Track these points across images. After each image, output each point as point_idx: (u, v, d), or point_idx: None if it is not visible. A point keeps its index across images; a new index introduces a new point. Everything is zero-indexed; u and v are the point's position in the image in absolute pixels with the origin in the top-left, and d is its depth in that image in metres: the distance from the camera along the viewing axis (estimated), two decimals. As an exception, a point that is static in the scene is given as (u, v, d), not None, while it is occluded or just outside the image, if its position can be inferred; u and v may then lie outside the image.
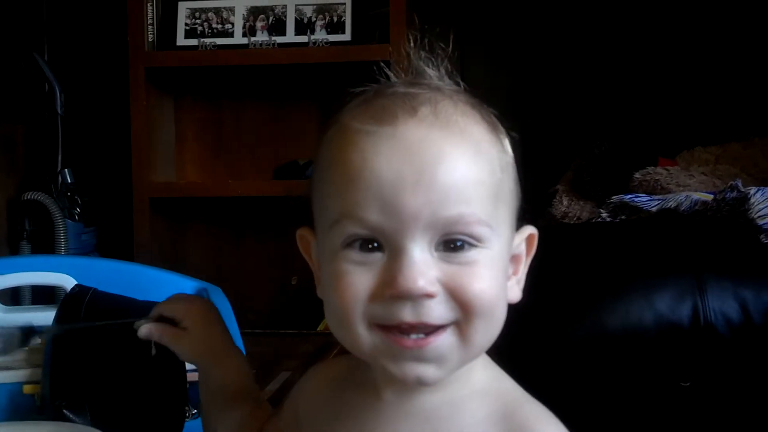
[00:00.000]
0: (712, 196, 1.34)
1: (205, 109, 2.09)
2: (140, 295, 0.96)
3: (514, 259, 0.59)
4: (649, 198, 1.43)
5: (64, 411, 0.77)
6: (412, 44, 0.62)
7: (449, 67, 0.61)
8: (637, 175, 1.54)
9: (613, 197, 1.46)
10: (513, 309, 1.60)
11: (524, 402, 0.59)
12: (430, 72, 0.60)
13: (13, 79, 1.98)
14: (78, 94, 2.02)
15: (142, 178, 1.89)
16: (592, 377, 1.25)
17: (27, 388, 0.85)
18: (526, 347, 1.39)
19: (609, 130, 1.82)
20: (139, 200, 1.90)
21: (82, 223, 1.96)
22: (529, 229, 0.60)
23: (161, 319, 0.76)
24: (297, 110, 2.02)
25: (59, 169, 1.94)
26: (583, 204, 1.61)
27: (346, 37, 1.86)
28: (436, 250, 0.54)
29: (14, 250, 1.93)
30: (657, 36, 1.90)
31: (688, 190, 1.46)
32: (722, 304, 1.19)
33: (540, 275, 1.47)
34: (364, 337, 0.55)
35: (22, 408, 0.84)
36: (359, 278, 0.54)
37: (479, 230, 0.54)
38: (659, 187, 1.50)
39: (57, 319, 0.86)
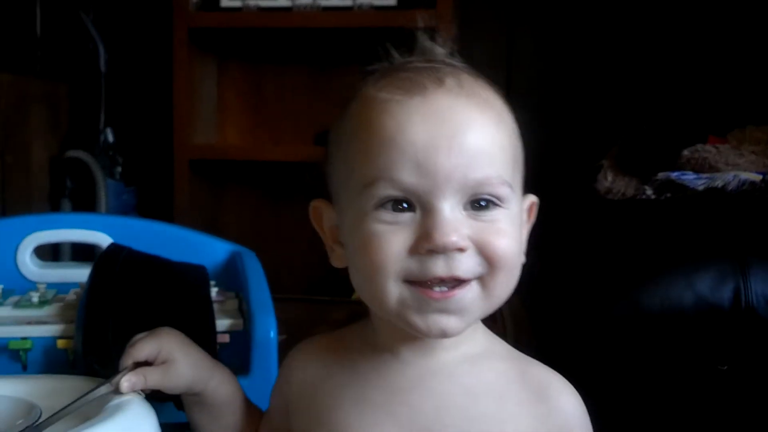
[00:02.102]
0: (761, 177, 1.30)
1: (248, 72, 2.08)
2: (175, 256, 0.96)
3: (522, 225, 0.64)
4: (696, 176, 1.39)
5: (95, 366, 0.77)
6: (421, 24, 0.68)
7: (453, 47, 0.66)
8: (685, 152, 1.50)
9: (659, 174, 1.42)
10: (553, 283, 1.58)
11: (529, 361, 0.64)
12: (439, 50, 0.64)
13: (58, 37, 1.99)
14: (122, 54, 2.03)
15: (183, 140, 1.89)
16: (628, 355, 1.23)
17: (60, 343, 0.85)
18: (566, 322, 1.38)
19: (659, 105, 1.78)
20: (179, 162, 1.90)
21: (122, 183, 1.98)
22: (531, 198, 0.65)
23: (137, 366, 0.70)
24: (339, 75, 2.00)
25: (101, 127, 1.95)
26: (628, 180, 1.58)
27: (392, 1, 1.84)
28: (464, 209, 0.58)
29: (55, 207, 1.95)
30: (711, 12, 1.85)
31: (737, 169, 1.42)
32: (765, 287, 1.16)
33: (581, 251, 1.46)
34: (393, 292, 0.58)
35: (55, 362, 0.85)
36: (393, 236, 0.58)
37: (503, 191, 0.59)
38: (707, 165, 1.46)
39: (91, 275, 0.87)
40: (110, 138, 1.97)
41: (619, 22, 1.93)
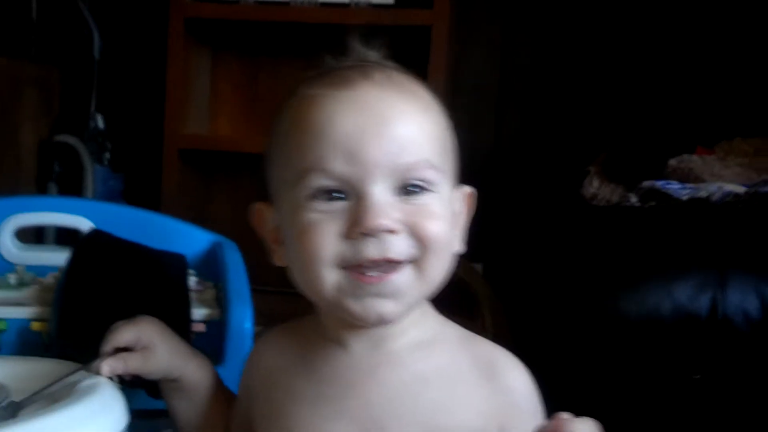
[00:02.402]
0: (745, 189, 1.31)
1: (242, 64, 2.08)
2: (156, 244, 0.97)
3: (455, 214, 0.65)
4: (681, 186, 1.40)
5: (69, 350, 0.77)
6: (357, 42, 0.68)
7: (386, 52, 0.67)
8: (672, 161, 1.51)
9: (644, 182, 1.43)
10: (535, 286, 1.58)
11: (478, 341, 0.66)
12: (371, 53, 0.66)
13: (53, 22, 1.99)
14: (116, 40, 2.03)
15: (174, 129, 1.89)
16: (604, 360, 1.24)
17: (35, 325, 0.85)
18: (544, 325, 1.38)
19: (649, 114, 1.79)
20: (168, 151, 1.90)
21: (110, 169, 1.97)
22: (467, 189, 0.67)
23: (117, 352, 0.72)
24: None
25: (92, 113, 1.95)
26: (614, 187, 1.59)
27: (389, 0, 1.84)
28: (396, 194, 0.60)
29: (42, 191, 1.95)
30: (701, 23, 1.86)
31: (722, 180, 1.42)
32: (742, 298, 1.16)
33: (564, 255, 1.46)
34: (329, 279, 0.60)
35: (30, 344, 0.85)
36: (327, 225, 0.60)
37: (431, 175, 0.61)
38: (693, 175, 1.47)
39: (70, 260, 0.87)
40: (100, 124, 1.97)
41: (613, 30, 1.94)
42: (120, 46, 2.04)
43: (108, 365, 0.70)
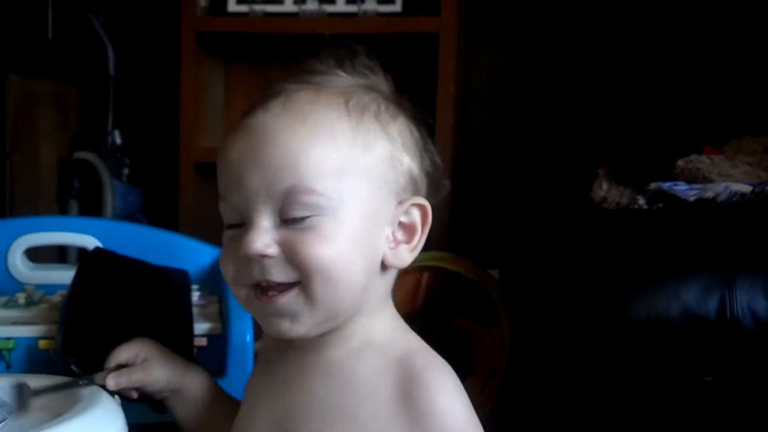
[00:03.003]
0: (751, 188, 1.31)
1: (255, 75, 2.11)
2: (162, 259, 0.98)
3: (405, 227, 0.66)
4: (688, 187, 1.39)
5: (72, 367, 0.79)
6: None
7: (367, 62, 0.70)
8: (679, 162, 1.51)
9: (652, 184, 1.43)
10: (545, 293, 1.58)
11: (419, 352, 0.65)
12: (339, 70, 0.68)
13: (69, 39, 2.02)
14: (130, 57, 2.06)
15: (189, 143, 1.92)
16: (613, 364, 1.24)
17: (42, 343, 0.87)
18: (554, 332, 1.39)
19: (656, 115, 1.78)
20: (185, 164, 1.92)
21: (129, 184, 2.01)
22: (417, 200, 0.66)
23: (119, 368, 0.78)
24: (346, 81, 2.02)
25: (109, 129, 1.99)
26: (622, 189, 1.58)
27: (397, 8, 1.85)
28: (282, 218, 0.62)
29: (63, 207, 1.98)
30: (708, 23, 1.85)
31: (730, 180, 1.42)
32: (751, 299, 1.16)
33: (571, 261, 1.47)
34: (241, 295, 0.65)
35: (38, 362, 0.87)
36: (228, 249, 0.65)
37: (312, 200, 0.61)
38: (701, 175, 1.46)
39: (75, 278, 0.89)
40: (118, 140, 2.01)
41: (619, 34, 1.93)
42: (134, 62, 2.07)
43: (113, 379, 0.75)
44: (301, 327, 0.63)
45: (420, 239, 0.66)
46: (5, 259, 1.00)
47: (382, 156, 0.64)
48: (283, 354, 0.68)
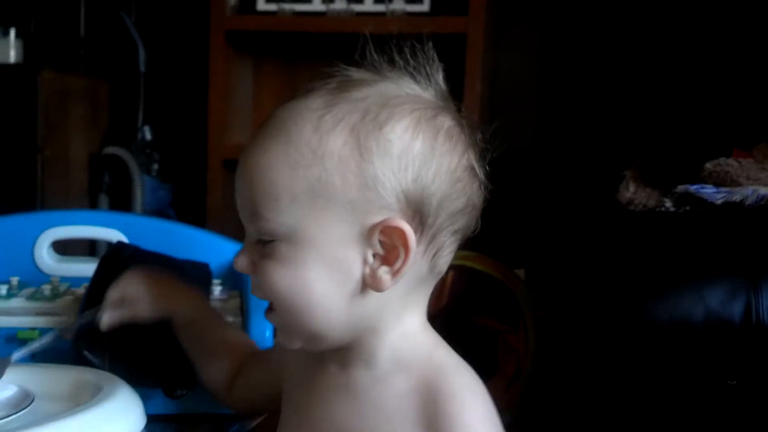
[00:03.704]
0: (780, 192, 1.29)
1: (283, 74, 2.12)
2: (184, 254, 0.99)
3: (385, 249, 0.59)
4: (715, 190, 1.38)
5: (84, 352, 0.81)
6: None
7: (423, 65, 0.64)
8: (707, 165, 1.49)
9: (679, 187, 1.42)
10: (569, 294, 1.57)
11: (449, 373, 0.61)
12: (364, 74, 0.63)
13: (101, 36, 2.05)
14: (161, 54, 2.08)
15: (217, 140, 1.94)
16: (635, 367, 1.23)
17: (65, 334, 0.89)
18: (578, 333, 1.38)
19: (686, 117, 1.77)
20: (213, 161, 1.94)
21: (158, 179, 2.03)
22: (391, 222, 0.58)
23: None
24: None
25: (139, 125, 2.01)
26: (650, 191, 1.57)
27: (425, 7, 1.86)
28: (257, 239, 0.61)
29: (93, 202, 2.01)
30: (738, 25, 1.83)
31: (758, 183, 1.40)
32: (776, 303, 1.15)
33: (596, 263, 1.46)
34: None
35: (61, 353, 0.88)
36: None
37: (265, 226, 0.59)
38: (729, 179, 1.44)
39: (96, 271, 0.90)
40: (148, 136, 2.03)
41: (650, 34, 1.92)
42: (164, 59, 2.09)
43: (107, 318, 0.79)
44: (293, 342, 0.62)
45: (402, 262, 0.59)
46: (32, 251, 1.01)
47: (348, 174, 0.58)
48: (320, 364, 0.65)
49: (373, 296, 0.60)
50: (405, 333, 0.62)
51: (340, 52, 2.27)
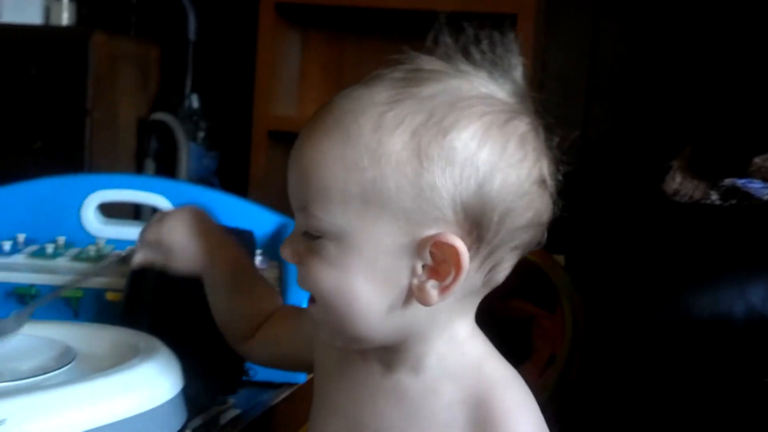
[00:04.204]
0: (829, 190, 1.27)
1: (331, 46, 2.12)
2: (227, 222, 1.01)
3: (436, 262, 0.56)
4: (763, 185, 1.36)
5: (125, 314, 0.82)
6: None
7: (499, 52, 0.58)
8: (756, 159, 1.47)
9: (726, 180, 1.40)
10: (610, 283, 1.57)
11: (501, 388, 0.58)
12: (435, 65, 0.58)
13: (152, 2, 2.07)
14: (211, 23, 2.09)
15: (263, 111, 1.95)
16: (671, 360, 1.23)
17: (109, 295, 0.90)
18: (616, 323, 1.38)
19: (737, 110, 1.74)
20: (258, 132, 1.96)
21: (204, 147, 2.05)
22: (442, 237, 0.55)
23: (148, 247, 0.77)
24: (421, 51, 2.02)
25: (187, 93, 2.03)
26: (696, 183, 1.55)
27: (475, -15, 1.84)
28: (304, 230, 0.58)
29: (140, 167, 2.04)
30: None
31: (808, 180, 1.38)
32: (819, 303, 1.14)
33: (638, 253, 1.45)
34: None
35: (104, 313, 0.90)
36: None
37: (315, 224, 0.56)
38: (778, 174, 1.42)
39: (140, 234, 0.92)
40: (195, 103, 2.05)
41: (705, 23, 1.89)
42: (214, 28, 2.11)
43: (139, 257, 0.76)
44: (333, 340, 0.61)
45: (452, 280, 0.55)
46: (79, 212, 1.03)
47: (404, 181, 0.54)
48: (363, 360, 0.62)
49: (419, 308, 0.57)
50: (452, 341, 0.59)
51: (389, 27, 2.28)
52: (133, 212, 1.92)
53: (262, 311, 0.77)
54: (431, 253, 0.55)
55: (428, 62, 0.58)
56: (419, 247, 0.55)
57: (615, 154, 1.95)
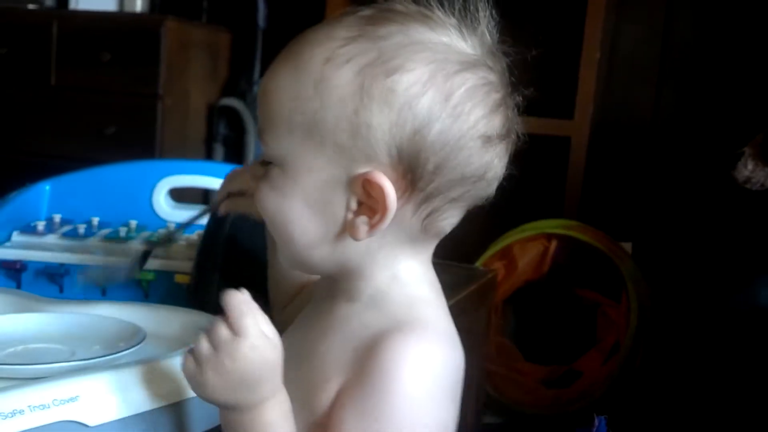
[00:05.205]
0: None
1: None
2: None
3: (368, 199, 0.57)
4: (839, 172, 1.33)
5: (189, 295, 0.85)
6: None
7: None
8: (832, 146, 1.43)
9: (799, 168, 1.37)
10: (675, 271, 1.55)
11: (408, 331, 0.57)
12: (407, 8, 0.58)
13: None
14: (280, 10, 2.12)
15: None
16: (745, 348, 1.21)
17: (178, 278, 0.93)
18: (683, 310, 1.36)
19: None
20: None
21: (271, 133, 2.08)
22: (371, 175, 0.56)
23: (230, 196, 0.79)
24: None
25: (255, 80, 2.05)
26: (769, 171, 1.52)
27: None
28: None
29: (209, 152, 2.08)
30: None
31: None
32: None
33: (705, 242, 1.43)
34: None
35: (173, 295, 0.93)
36: None
37: (267, 150, 0.59)
38: None
39: (207, 223, 0.94)
40: (263, 89, 2.08)
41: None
42: (283, 16, 2.13)
43: (224, 205, 0.78)
44: (284, 262, 0.63)
45: (379, 218, 0.56)
46: (151, 197, 1.07)
47: (343, 116, 0.55)
48: (324, 299, 0.64)
49: (355, 242, 0.58)
50: (395, 281, 0.60)
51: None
52: (202, 197, 1.96)
53: (297, 281, 0.77)
54: (364, 190, 0.56)
55: (402, 5, 0.58)
56: (352, 182, 0.57)
57: (685, 140, 1.92)
